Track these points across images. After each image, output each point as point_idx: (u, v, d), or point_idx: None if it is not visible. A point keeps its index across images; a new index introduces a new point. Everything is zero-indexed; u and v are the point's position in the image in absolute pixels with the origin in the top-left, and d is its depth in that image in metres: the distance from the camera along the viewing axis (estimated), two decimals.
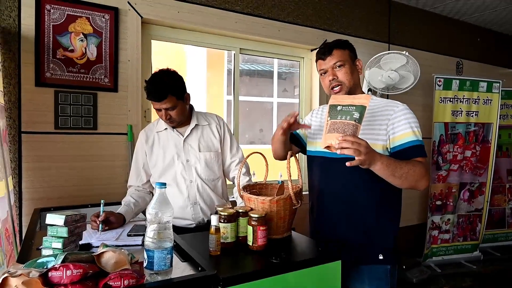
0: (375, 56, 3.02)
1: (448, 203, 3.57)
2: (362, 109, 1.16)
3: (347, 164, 1.15)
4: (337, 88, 1.41)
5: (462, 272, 3.47)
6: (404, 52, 2.96)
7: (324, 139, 1.18)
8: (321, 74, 1.47)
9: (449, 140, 3.53)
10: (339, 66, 1.41)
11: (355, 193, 1.39)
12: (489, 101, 3.63)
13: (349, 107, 1.18)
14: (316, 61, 1.49)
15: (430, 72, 3.49)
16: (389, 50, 3.35)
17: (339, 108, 1.20)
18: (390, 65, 2.99)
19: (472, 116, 3.59)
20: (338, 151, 1.12)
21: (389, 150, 1.34)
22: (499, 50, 4.43)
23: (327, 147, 1.17)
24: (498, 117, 3.65)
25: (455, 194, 3.59)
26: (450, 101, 3.51)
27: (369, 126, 1.37)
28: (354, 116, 1.16)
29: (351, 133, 1.14)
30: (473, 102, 3.58)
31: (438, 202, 3.55)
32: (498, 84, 3.63)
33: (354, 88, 1.43)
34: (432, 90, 3.46)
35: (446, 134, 3.52)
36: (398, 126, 1.33)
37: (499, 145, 3.90)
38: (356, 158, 1.14)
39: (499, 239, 4.05)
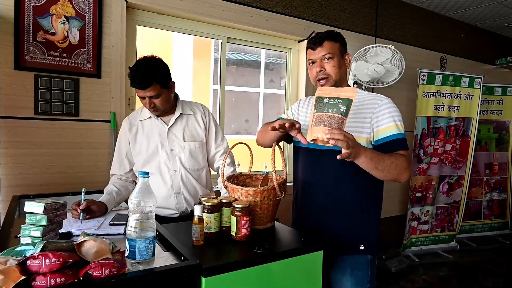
0: (362, 49, 3.03)
1: (427, 195, 3.67)
2: (348, 102, 1.17)
3: (338, 157, 1.15)
4: (323, 80, 1.42)
5: (439, 262, 3.59)
6: (390, 46, 2.99)
7: (310, 131, 1.18)
8: (309, 64, 1.47)
9: (430, 133, 3.61)
10: (327, 59, 1.40)
11: (340, 184, 1.40)
12: (470, 96, 3.71)
13: (336, 100, 1.18)
14: (306, 50, 1.48)
15: (415, 67, 3.54)
16: (375, 43, 3.37)
17: (325, 100, 1.20)
18: (376, 59, 3.01)
19: (454, 110, 3.67)
20: (331, 142, 1.11)
21: (372, 143, 1.36)
22: (483, 46, 4.52)
23: (314, 140, 1.18)
24: (478, 112, 3.74)
25: (434, 187, 3.69)
26: (433, 96, 3.57)
27: (354, 119, 1.38)
28: (340, 109, 1.16)
29: (337, 127, 1.14)
30: (455, 97, 3.65)
31: (418, 194, 3.64)
32: (480, 80, 3.71)
33: (340, 82, 1.43)
34: (416, 84, 3.51)
35: (428, 127, 3.59)
36: (381, 120, 1.35)
37: (478, 139, 4.01)
38: (343, 151, 1.14)
39: (475, 230, 4.20)
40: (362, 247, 1.40)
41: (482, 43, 4.51)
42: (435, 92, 3.57)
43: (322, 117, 1.17)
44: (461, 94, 3.67)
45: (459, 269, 3.47)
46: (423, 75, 3.51)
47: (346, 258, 1.41)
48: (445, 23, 4.10)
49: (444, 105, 3.62)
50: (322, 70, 1.41)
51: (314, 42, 1.43)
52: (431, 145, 3.62)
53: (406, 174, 1.30)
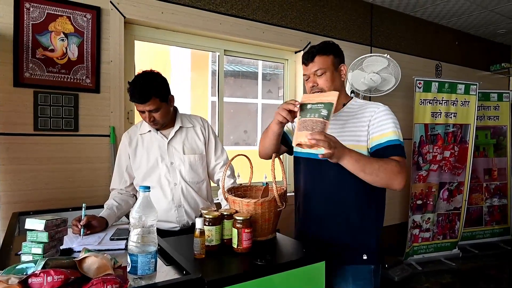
0: (358, 58, 3.07)
1: (428, 202, 3.66)
2: (330, 106, 1.21)
3: (320, 156, 1.17)
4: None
5: (442, 270, 3.56)
6: (385, 55, 3.03)
7: (295, 137, 1.21)
8: (305, 80, 1.48)
9: (429, 141, 3.62)
10: (319, 74, 1.41)
11: (341, 194, 1.40)
12: (467, 102, 3.74)
13: (318, 105, 1.23)
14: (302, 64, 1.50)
15: (411, 75, 3.57)
16: (371, 52, 3.41)
17: (308, 106, 1.25)
18: (372, 68, 3.04)
19: (451, 117, 3.69)
20: (312, 142, 1.13)
21: (368, 150, 1.37)
22: (477, 53, 4.58)
23: (298, 144, 1.20)
24: (475, 118, 3.77)
25: (435, 194, 3.68)
26: (429, 103, 3.60)
27: (351, 128, 1.39)
28: (322, 113, 1.20)
29: (320, 130, 1.17)
30: (452, 103, 3.68)
31: (419, 202, 3.63)
32: (475, 86, 3.75)
33: None
34: (413, 92, 3.54)
35: (426, 135, 3.61)
36: (378, 127, 1.36)
37: (476, 145, 4.03)
38: (325, 151, 1.15)
39: (477, 237, 4.18)
40: (365, 257, 1.39)
41: (476, 50, 4.57)
42: (432, 100, 3.60)
43: (305, 122, 1.21)
44: (457, 101, 3.70)
45: (462, 276, 3.44)
46: (419, 83, 3.54)
47: (348, 268, 1.40)
48: (439, 31, 4.16)
49: (441, 112, 3.64)
50: (315, 85, 1.42)
51: (306, 58, 1.44)
52: (430, 152, 3.63)
53: (400, 180, 1.27)
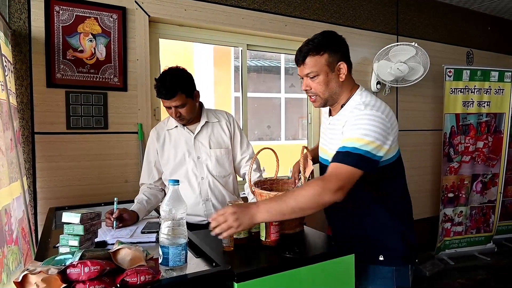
0: (384, 48, 2.99)
1: (460, 195, 3.53)
2: None
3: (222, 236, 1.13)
4: (313, 97, 1.31)
5: (476, 265, 3.43)
6: (413, 43, 2.93)
7: None
8: (300, 79, 1.36)
9: (460, 131, 3.48)
10: (311, 77, 1.26)
11: (354, 198, 1.25)
12: (501, 90, 3.56)
13: None
14: None
15: (440, 63, 3.44)
16: (397, 42, 3.31)
17: None
18: (399, 57, 2.95)
19: (484, 106, 3.53)
20: (216, 231, 1.12)
21: None
22: (511, 38, 4.35)
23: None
24: (511, 107, 3.59)
25: (467, 186, 3.55)
26: (461, 92, 3.45)
27: (331, 138, 1.32)
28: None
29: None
30: (485, 92, 3.52)
31: (450, 195, 3.51)
32: (510, 73, 3.56)
33: (333, 98, 1.30)
34: (442, 81, 3.41)
35: (457, 125, 3.47)
36: (345, 132, 1.21)
37: None
38: (227, 231, 1.11)
39: None
40: (381, 258, 1.30)
41: (510, 35, 4.34)
42: (463, 88, 3.46)
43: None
44: (491, 89, 3.53)
45: (498, 272, 3.30)
46: (449, 71, 3.40)
47: (369, 267, 1.33)
48: (469, 17, 3.97)
49: (473, 101, 3.49)
50: (307, 89, 1.29)
51: (296, 60, 1.29)
52: (462, 143, 3.50)
53: (328, 197, 1.12)
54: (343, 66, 1.26)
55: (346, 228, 1.38)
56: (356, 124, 1.17)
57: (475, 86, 3.48)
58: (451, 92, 3.43)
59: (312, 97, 1.31)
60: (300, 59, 1.27)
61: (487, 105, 3.54)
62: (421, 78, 3.03)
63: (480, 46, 4.06)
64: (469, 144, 3.51)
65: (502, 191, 3.66)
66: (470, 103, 3.48)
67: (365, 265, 1.33)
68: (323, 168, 1.41)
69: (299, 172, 1.42)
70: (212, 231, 1.12)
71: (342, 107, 1.31)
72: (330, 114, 1.39)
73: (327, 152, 1.36)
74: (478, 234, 3.66)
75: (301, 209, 1.13)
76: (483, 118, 3.54)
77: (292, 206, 1.12)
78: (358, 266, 1.31)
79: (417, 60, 2.96)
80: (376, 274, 1.32)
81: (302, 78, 1.31)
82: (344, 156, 1.15)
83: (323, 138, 1.42)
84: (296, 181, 1.44)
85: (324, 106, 1.34)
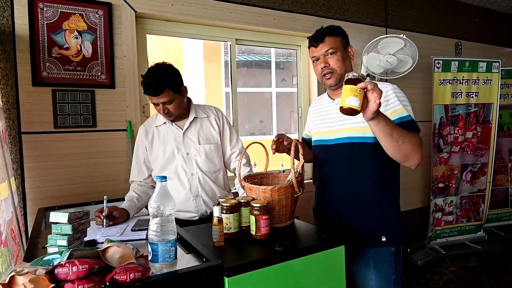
0: (373, 40, 2.99)
1: (450, 185, 3.58)
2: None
3: (375, 105, 1.07)
4: (329, 75, 1.42)
5: (467, 253, 3.49)
6: (401, 36, 2.94)
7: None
8: (313, 61, 1.47)
9: (449, 122, 3.52)
10: (331, 54, 1.40)
11: (354, 177, 1.40)
12: (489, 81, 3.60)
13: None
14: (309, 48, 1.48)
15: (429, 55, 3.46)
16: (386, 34, 3.32)
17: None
18: (388, 49, 2.96)
19: (472, 97, 3.57)
20: (369, 87, 1.05)
21: None
22: (498, 29, 4.39)
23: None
24: (499, 97, 3.63)
25: (457, 176, 3.59)
26: (449, 83, 3.48)
27: None
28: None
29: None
30: (473, 83, 3.55)
31: (441, 185, 3.55)
32: (498, 64, 3.60)
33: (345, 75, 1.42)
34: (431, 73, 3.43)
35: (446, 116, 3.51)
36: (388, 105, 1.33)
37: (500, 125, 3.89)
38: (375, 103, 1.06)
39: (503, 219, 4.07)
40: (383, 239, 1.38)
41: (498, 26, 4.37)
42: (452, 79, 3.49)
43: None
44: (479, 80, 3.56)
45: (488, 259, 3.36)
46: (438, 63, 3.43)
47: (368, 251, 1.39)
48: (457, 8, 4.00)
49: (462, 92, 3.53)
50: (326, 66, 1.41)
51: (315, 39, 1.43)
52: (451, 133, 3.54)
53: (419, 155, 1.23)
54: (351, 49, 1.46)
55: (352, 214, 1.41)
56: (398, 97, 1.34)
57: (463, 77, 3.51)
58: (440, 84, 3.46)
59: (328, 74, 1.42)
60: (319, 38, 1.41)
61: (475, 95, 3.57)
62: (410, 70, 3.04)
63: (469, 37, 4.10)
64: (458, 135, 3.55)
65: (491, 180, 3.72)
66: (458, 94, 3.52)
67: (364, 250, 1.39)
68: (323, 151, 1.47)
69: (283, 142, 1.44)
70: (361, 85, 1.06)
71: None
72: (331, 98, 1.51)
73: (335, 132, 1.44)
74: (468, 223, 3.72)
75: (402, 143, 1.19)
76: (472, 109, 3.58)
77: (399, 136, 1.18)
78: (356, 253, 1.37)
79: (406, 52, 2.97)
80: (377, 258, 1.39)
81: (316, 60, 1.44)
82: (413, 125, 1.29)
83: (329, 120, 1.47)
84: (274, 146, 1.44)
85: (337, 83, 1.43)
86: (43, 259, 0.90)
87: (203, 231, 1.36)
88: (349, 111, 1.09)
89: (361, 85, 1.05)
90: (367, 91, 1.06)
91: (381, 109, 1.27)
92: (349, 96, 1.07)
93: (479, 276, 3.08)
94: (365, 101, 1.08)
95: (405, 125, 1.28)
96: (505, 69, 3.87)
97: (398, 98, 1.34)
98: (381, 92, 1.06)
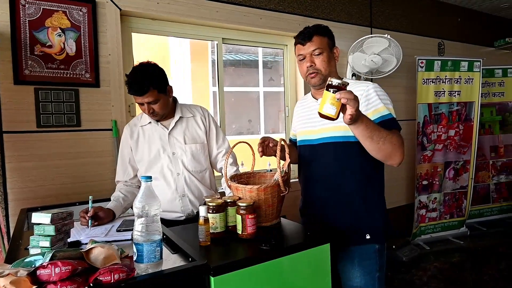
0: (358, 40, 3.03)
1: (434, 182, 3.66)
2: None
3: (345, 120, 1.11)
4: (313, 74, 1.43)
5: (450, 248, 3.57)
6: (386, 35, 2.98)
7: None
8: (299, 59, 1.47)
9: (433, 120, 3.59)
10: (317, 54, 1.41)
11: (338, 176, 1.41)
12: (471, 80, 3.69)
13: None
14: (295, 45, 1.49)
15: (412, 54, 3.52)
16: (371, 34, 3.36)
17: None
18: (372, 49, 3.00)
19: (455, 95, 3.65)
20: (343, 101, 1.07)
21: None
22: (480, 29, 4.49)
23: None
24: (480, 95, 3.72)
25: (440, 173, 3.67)
26: (432, 82, 3.55)
27: None
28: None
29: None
30: (455, 82, 3.63)
31: (425, 182, 3.62)
32: (479, 63, 3.69)
33: (329, 76, 1.41)
34: (415, 72, 3.50)
35: (430, 114, 3.58)
36: (369, 104, 1.35)
37: (482, 123, 3.99)
38: (350, 111, 1.09)
39: (485, 214, 4.17)
40: (368, 237, 1.39)
41: (479, 26, 4.48)
42: (435, 79, 3.56)
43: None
44: (461, 79, 3.64)
45: (471, 254, 3.45)
46: (421, 62, 3.49)
47: (353, 249, 1.41)
48: (440, 9, 4.08)
49: (444, 91, 3.60)
50: (312, 65, 1.42)
51: (303, 38, 1.43)
52: (434, 131, 3.61)
53: (400, 153, 1.26)
54: (336, 50, 1.48)
55: (336, 212, 1.43)
56: (379, 96, 1.35)
57: (446, 76, 3.59)
58: (423, 83, 3.52)
59: (313, 74, 1.43)
60: (307, 37, 1.42)
61: (457, 94, 3.65)
62: (394, 69, 3.09)
63: (451, 37, 4.18)
64: (441, 133, 3.62)
65: (473, 177, 3.81)
66: (441, 92, 3.59)
67: (348, 248, 1.41)
68: (308, 150, 1.49)
69: (268, 145, 1.45)
70: (340, 95, 1.07)
71: None
72: (315, 98, 1.52)
73: (318, 132, 1.45)
74: (451, 219, 3.81)
75: (382, 145, 1.21)
76: (454, 107, 3.66)
77: (380, 137, 1.21)
78: (341, 251, 1.38)
79: (390, 51, 3.02)
80: (362, 255, 1.40)
81: (301, 60, 1.45)
82: (393, 123, 1.31)
83: (313, 120, 1.47)
84: (261, 149, 1.45)
85: (321, 83, 1.44)
86: (25, 260, 0.88)
87: (190, 231, 1.36)
88: (326, 117, 1.13)
89: (337, 96, 1.08)
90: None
91: (362, 108, 1.30)
92: (327, 103, 1.11)
93: (463, 271, 3.16)
94: (343, 108, 1.10)
95: (386, 124, 1.30)
96: (486, 68, 3.97)
97: (379, 97, 1.35)
98: (356, 103, 1.09)
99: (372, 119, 1.31)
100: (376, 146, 1.23)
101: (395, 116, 1.34)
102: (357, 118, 1.14)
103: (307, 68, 1.43)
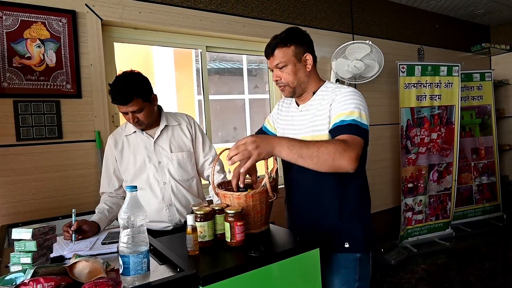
0: (340, 46, 3.08)
1: (419, 184, 3.71)
2: None
3: (241, 171, 1.18)
4: (281, 87, 1.40)
5: (437, 250, 3.62)
6: (367, 42, 3.04)
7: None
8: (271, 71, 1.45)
9: (416, 124, 3.66)
10: (281, 67, 1.36)
11: (318, 185, 1.37)
12: (450, 84, 3.79)
13: None
14: None
15: (394, 60, 3.60)
16: (353, 40, 3.42)
17: None
18: (355, 55, 3.06)
19: (436, 99, 3.73)
20: (235, 159, 1.13)
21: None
22: (458, 35, 4.63)
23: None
24: (460, 99, 3.82)
25: (425, 176, 3.73)
26: (414, 87, 3.63)
27: (313, 117, 1.36)
28: None
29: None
30: (436, 86, 3.72)
31: (410, 185, 3.68)
32: (458, 68, 3.80)
33: (301, 87, 1.39)
34: (397, 77, 3.57)
35: (412, 118, 3.65)
36: (335, 108, 1.29)
37: (462, 125, 4.09)
38: (247, 159, 1.12)
39: (469, 215, 4.26)
40: (347, 245, 1.34)
41: (456, 32, 4.62)
42: (416, 83, 3.64)
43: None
44: (441, 83, 3.74)
45: (457, 255, 3.50)
46: (403, 67, 3.57)
47: (332, 256, 1.37)
48: (419, 16, 4.19)
49: (426, 95, 3.68)
50: (278, 80, 1.39)
51: (266, 52, 1.40)
52: (417, 135, 3.68)
53: (347, 159, 1.14)
54: (309, 57, 1.37)
55: (314, 219, 1.40)
56: (347, 100, 1.27)
57: (426, 80, 3.67)
58: (405, 87, 3.60)
59: (282, 86, 1.39)
60: (269, 51, 1.37)
61: (438, 98, 3.74)
62: (376, 74, 3.15)
63: (430, 43, 4.30)
64: (424, 136, 3.70)
65: (456, 179, 3.89)
66: (423, 97, 3.67)
67: (329, 255, 1.36)
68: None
69: (240, 176, 1.37)
70: (229, 160, 1.10)
71: (314, 93, 1.40)
72: (297, 104, 1.48)
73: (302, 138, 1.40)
74: (437, 221, 3.86)
75: (318, 159, 1.14)
76: (436, 111, 3.75)
77: (312, 152, 1.14)
78: (321, 257, 1.34)
79: (372, 57, 3.07)
80: (340, 263, 1.36)
81: (272, 71, 1.41)
82: (351, 128, 1.22)
83: (293, 127, 1.45)
84: (235, 187, 1.38)
85: (293, 95, 1.42)
86: (5, 278, 0.85)
87: (178, 240, 1.33)
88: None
89: (229, 163, 1.14)
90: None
91: (330, 114, 1.30)
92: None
93: (449, 272, 3.20)
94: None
95: (339, 129, 1.24)
96: (465, 72, 4.09)
97: (347, 102, 1.27)
98: (241, 156, 1.12)
99: (333, 123, 1.27)
100: (313, 162, 1.15)
101: (360, 121, 1.24)
102: (269, 148, 1.15)
103: (275, 82, 1.41)
